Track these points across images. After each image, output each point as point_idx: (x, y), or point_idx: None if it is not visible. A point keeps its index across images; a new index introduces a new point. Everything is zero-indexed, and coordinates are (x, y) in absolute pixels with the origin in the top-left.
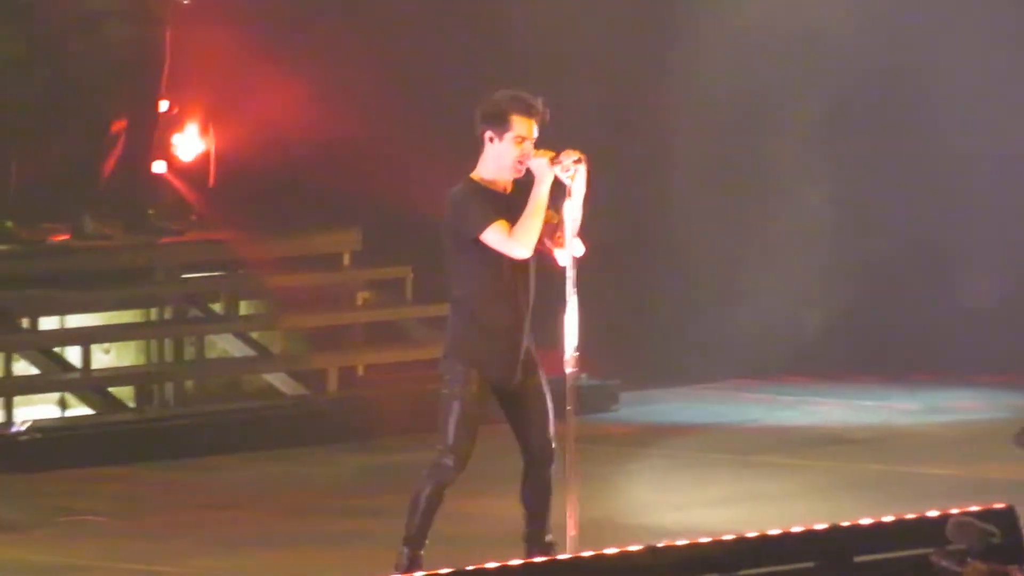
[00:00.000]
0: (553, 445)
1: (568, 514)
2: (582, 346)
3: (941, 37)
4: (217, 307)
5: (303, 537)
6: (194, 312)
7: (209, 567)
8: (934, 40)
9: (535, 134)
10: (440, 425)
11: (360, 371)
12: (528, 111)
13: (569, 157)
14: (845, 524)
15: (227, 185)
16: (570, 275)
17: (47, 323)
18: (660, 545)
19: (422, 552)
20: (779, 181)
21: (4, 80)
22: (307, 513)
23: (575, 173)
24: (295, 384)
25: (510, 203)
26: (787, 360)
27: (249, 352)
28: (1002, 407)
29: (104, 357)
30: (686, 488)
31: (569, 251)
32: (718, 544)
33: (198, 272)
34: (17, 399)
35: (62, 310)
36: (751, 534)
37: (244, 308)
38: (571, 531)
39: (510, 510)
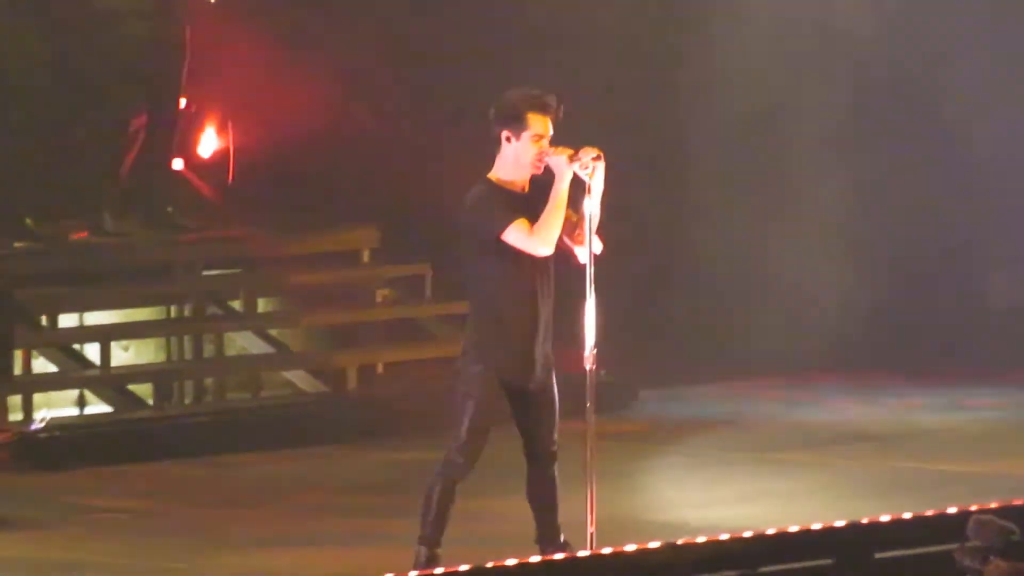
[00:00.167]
0: (556, 447)
1: (587, 511)
2: (601, 343)
3: (965, 29)
4: (236, 304)
5: (322, 535)
6: (213, 309)
7: (228, 565)
8: (957, 33)
9: (551, 131)
10: (454, 423)
11: (379, 368)
12: (544, 108)
13: (588, 154)
14: (865, 521)
15: (246, 182)
16: (589, 273)
17: (66, 320)
18: (679, 542)
19: (439, 550)
20: (800, 177)
21: (22, 76)
22: (326, 511)
23: (594, 170)
24: (314, 382)
25: (528, 202)
26: (808, 357)
27: (268, 349)
28: None
29: (123, 354)
30: (705, 485)
31: (588, 248)
32: (738, 541)
33: (217, 269)
34: (36, 396)
35: (81, 307)
36: (771, 531)
37: (263, 305)
38: (590, 527)
39: (528, 507)
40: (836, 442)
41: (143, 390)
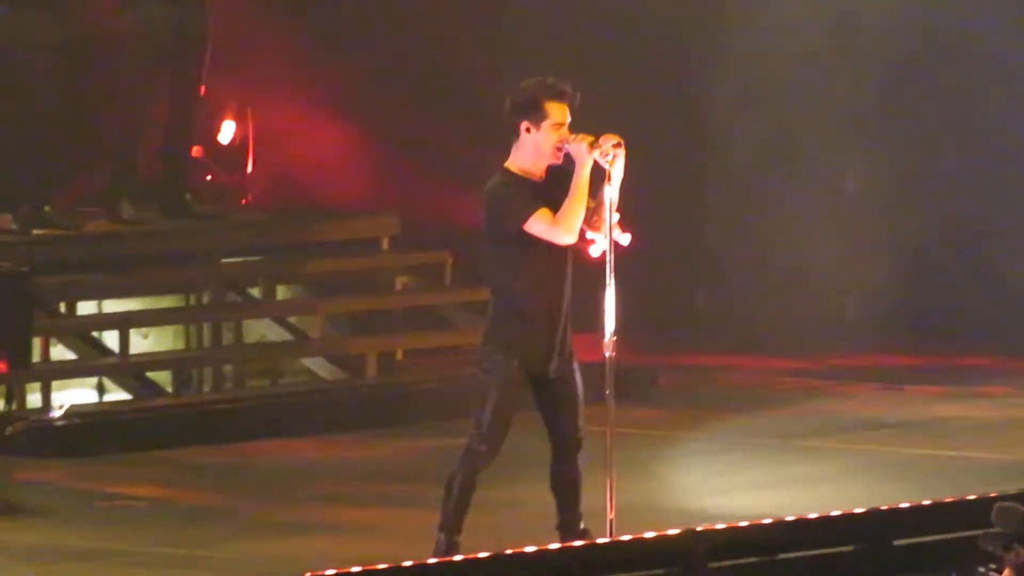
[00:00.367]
0: (582, 434)
1: (607, 498)
2: (622, 330)
3: (987, 12)
4: (255, 292)
5: (341, 522)
6: (232, 297)
7: (246, 552)
8: (980, 15)
9: (569, 118)
10: (475, 411)
11: (399, 356)
12: (561, 96)
13: (608, 141)
14: (884, 508)
15: (265, 170)
16: (608, 261)
17: (85, 308)
18: (699, 529)
19: (459, 538)
20: (819, 163)
21: (41, 63)
22: (345, 499)
23: (614, 157)
24: (333, 369)
25: (546, 191)
26: (827, 343)
27: (287, 337)
28: None
29: (142, 342)
30: (725, 472)
31: (604, 236)
32: (757, 528)
33: (236, 257)
34: (55, 384)
35: (100, 295)
36: (790, 518)
37: (282, 293)
38: (610, 515)
39: (549, 495)
40: (855, 429)
41: (162, 377)
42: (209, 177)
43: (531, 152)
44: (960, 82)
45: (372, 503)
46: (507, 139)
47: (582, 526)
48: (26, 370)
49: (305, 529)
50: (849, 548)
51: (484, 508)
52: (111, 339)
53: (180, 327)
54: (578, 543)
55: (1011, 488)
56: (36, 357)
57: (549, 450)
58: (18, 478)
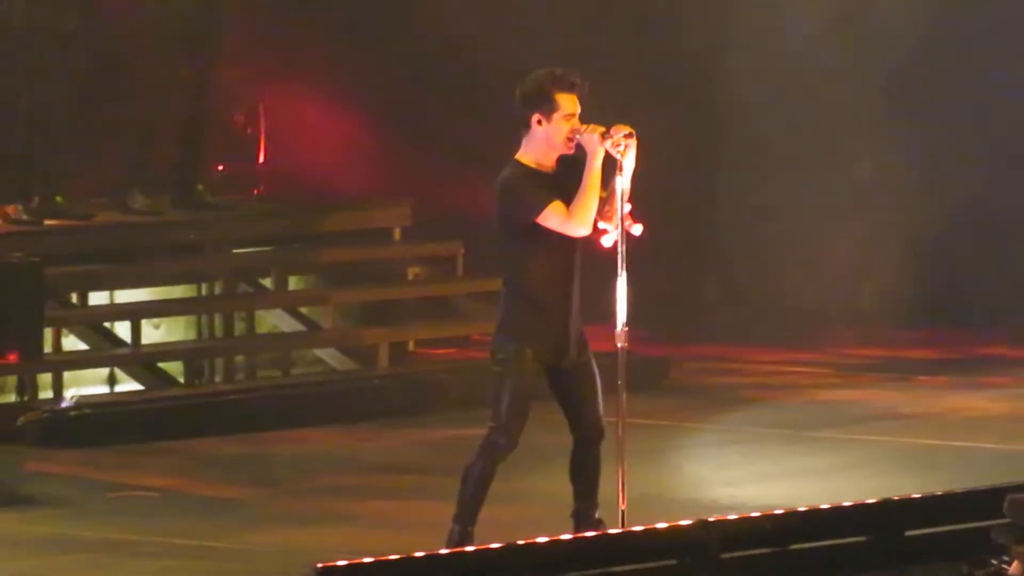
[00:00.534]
0: (603, 423)
1: (619, 488)
2: (633, 321)
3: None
4: (267, 282)
5: (352, 513)
6: (244, 287)
7: (259, 543)
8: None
9: (579, 109)
10: (492, 403)
11: (411, 346)
12: (571, 87)
13: (620, 132)
14: (896, 499)
15: (277, 160)
16: (621, 251)
17: (97, 298)
18: (711, 519)
19: (472, 528)
20: (832, 151)
21: (52, 55)
22: (357, 489)
23: (626, 148)
24: (345, 359)
25: (559, 182)
26: (839, 334)
27: (299, 327)
28: None
29: (154, 332)
30: (737, 463)
31: (616, 227)
32: (769, 518)
33: (248, 247)
34: (66, 375)
35: (111, 285)
36: (802, 509)
37: (294, 283)
38: (622, 505)
39: (560, 487)
40: (867, 420)
41: (174, 368)
42: (221, 167)
43: (543, 144)
44: (977, 69)
45: (384, 494)
46: (518, 130)
47: (597, 516)
48: (38, 361)
49: (317, 520)
50: (860, 539)
51: (497, 500)
52: (123, 330)
53: (192, 318)
54: (590, 533)
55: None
56: (48, 348)
57: (571, 439)
58: (29, 468)
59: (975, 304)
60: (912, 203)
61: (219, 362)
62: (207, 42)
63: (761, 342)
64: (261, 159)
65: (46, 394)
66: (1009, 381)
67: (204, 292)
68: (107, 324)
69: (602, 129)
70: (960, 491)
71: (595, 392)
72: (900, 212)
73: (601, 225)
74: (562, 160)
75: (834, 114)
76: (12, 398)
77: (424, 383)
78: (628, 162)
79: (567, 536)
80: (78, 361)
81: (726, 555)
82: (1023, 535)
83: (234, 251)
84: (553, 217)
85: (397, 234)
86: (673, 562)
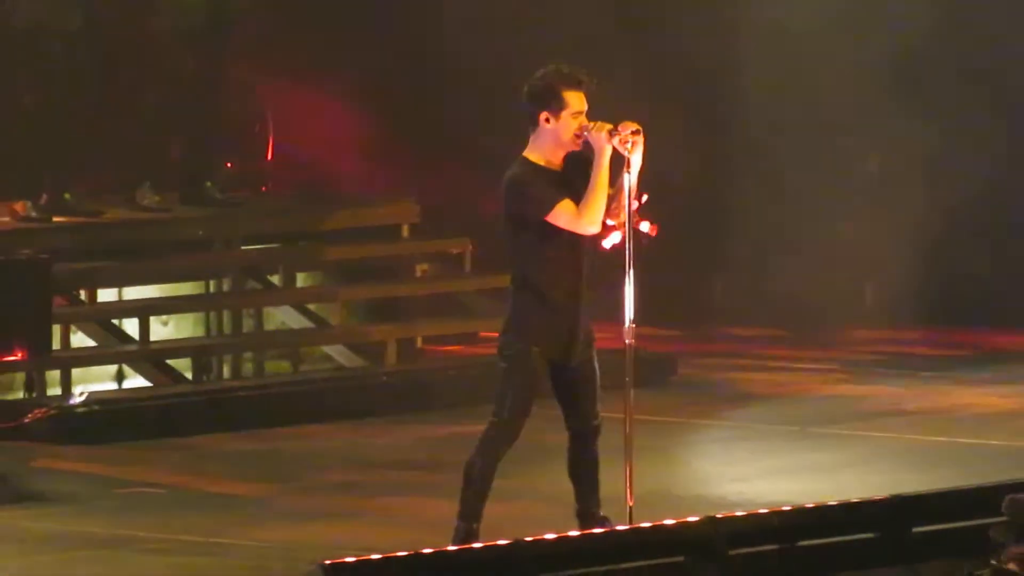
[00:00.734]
0: (599, 421)
1: (626, 485)
2: (641, 318)
3: None
4: (275, 279)
5: (360, 510)
6: (252, 284)
7: (266, 539)
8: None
9: (586, 106)
10: (495, 398)
11: (419, 343)
12: (579, 84)
13: (627, 128)
14: (904, 495)
15: (285, 157)
16: (628, 249)
17: (105, 295)
18: (719, 516)
19: (478, 525)
20: (840, 146)
21: (61, 51)
22: (364, 486)
23: (633, 145)
24: (353, 356)
25: (566, 179)
26: (848, 330)
27: (307, 324)
28: None
29: (162, 329)
30: (745, 459)
31: (622, 223)
32: (777, 515)
33: (256, 244)
34: (75, 371)
35: (120, 282)
36: (809, 505)
37: (302, 280)
38: (629, 502)
39: (566, 484)
40: (875, 416)
41: (182, 365)
42: (229, 164)
43: (551, 141)
44: (986, 64)
45: (392, 490)
46: (526, 126)
47: (601, 513)
48: (46, 357)
49: (324, 516)
50: (867, 535)
51: (502, 496)
52: (131, 326)
53: (200, 314)
54: (597, 530)
55: None
56: (56, 344)
57: (567, 437)
58: (38, 465)
59: (983, 300)
60: (920, 199)
61: (227, 359)
62: (216, 39)
63: (768, 338)
64: (269, 156)
65: (54, 391)
66: (1017, 377)
67: (212, 289)
68: (115, 321)
69: (609, 126)
70: (967, 487)
71: (594, 390)
72: (908, 208)
73: (609, 222)
74: (569, 157)
75: (843, 109)
76: (20, 395)
77: (432, 380)
78: (635, 159)
79: (574, 532)
80: (86, 358)
81: (734, 551)
82: (1022, 534)
83: (242, 248)
84: (563, 215)
85: (405, 231)
86: (681, 559)
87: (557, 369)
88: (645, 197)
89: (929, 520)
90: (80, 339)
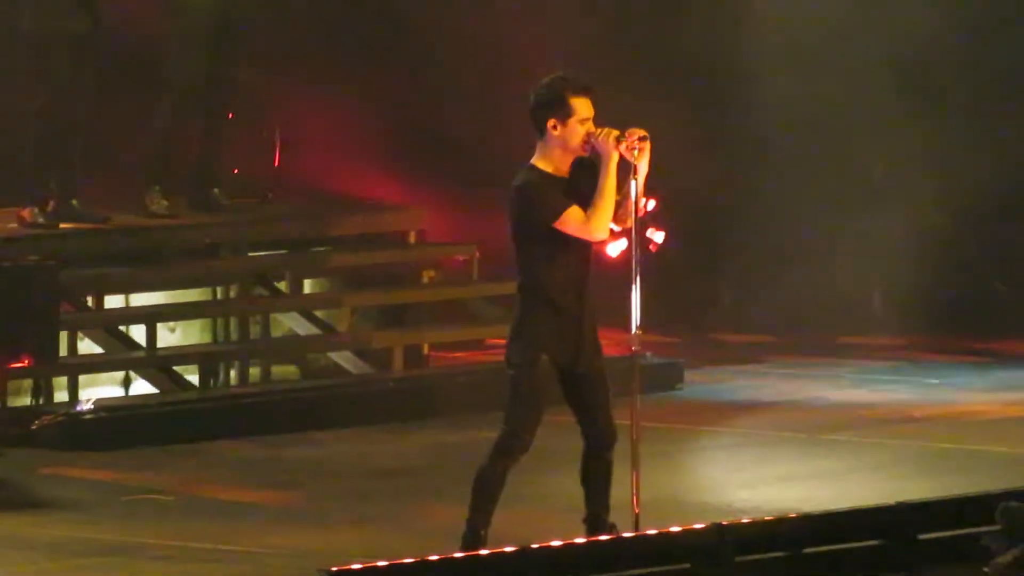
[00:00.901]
0: (613, 428)
1: (632, 492)
2: (647, 325)
3: None
4: (282, 285)
5: (368, 516)
6: (259, 290)
7: (274, 546)
8: None
9: (593, 112)
10: (506, 407)
11: (425, 350)
12: (585, 91)
13: (634, 135)
14: (911, 502)
15: (292, 164)
16: (634, 255)
17: (112, 301)
18: (725, 523)
19: (485, 532)
20: (845, 151)
21: (68, 56)
22: (372, 493)
23: (640, 151)
24: (360, 362)
25: (574, 186)
26: (855, 338)
27: (314, 330)
28: None
29: (169, 335)
30: (751, 466)
31: (628, 228)
32: (783, 522)
33: (263, 250)
34: (82, 378)
35: (127, 288)
36: (816, 512)
37: (309, 286)
38: (635, 509)
39: (573, 490)
40: (882, 423)
41: (189, 371)
42: (236, 171)
43: (558, 148)
44: (994, 65)
45: (398, 497)
46: (530, 133)
47: (609, 520)
48: (53, 364)
49: (331, 523)
50: (874, 542)
51: (509, 502)
52: (138, 333)
53: (207, 321)
54: (604, 537)
55: None
56: (63, 351)
57: (582, 443)
58: (45, 472)
59: (992, 307)
60: (930, 204)
61: (234, 365)
62: (226, 46)
63: (775, 345)
64: (276, 162)
65: (61, 397)
66: None
67: (220, 295)
68: (122, 327)
69: (616, 132)
70: (974, 495)
71: (606, 395)
72: (917, 213)
73: (615, 228)
74: (576, 164)
75: (849, 112)
76: (28, 401)
77: (439, 386)
78: (642, 165)
79: (581, 539)
80: (93, 364)
81: (740, 559)
82: (1015, 542)
83: (250, 254)
84: (571, 222)
85: (412, 237)
86: (687, 566)
87: (567, 377)
88: (652, 203)
89: (936, 527)
90: (87, 346)
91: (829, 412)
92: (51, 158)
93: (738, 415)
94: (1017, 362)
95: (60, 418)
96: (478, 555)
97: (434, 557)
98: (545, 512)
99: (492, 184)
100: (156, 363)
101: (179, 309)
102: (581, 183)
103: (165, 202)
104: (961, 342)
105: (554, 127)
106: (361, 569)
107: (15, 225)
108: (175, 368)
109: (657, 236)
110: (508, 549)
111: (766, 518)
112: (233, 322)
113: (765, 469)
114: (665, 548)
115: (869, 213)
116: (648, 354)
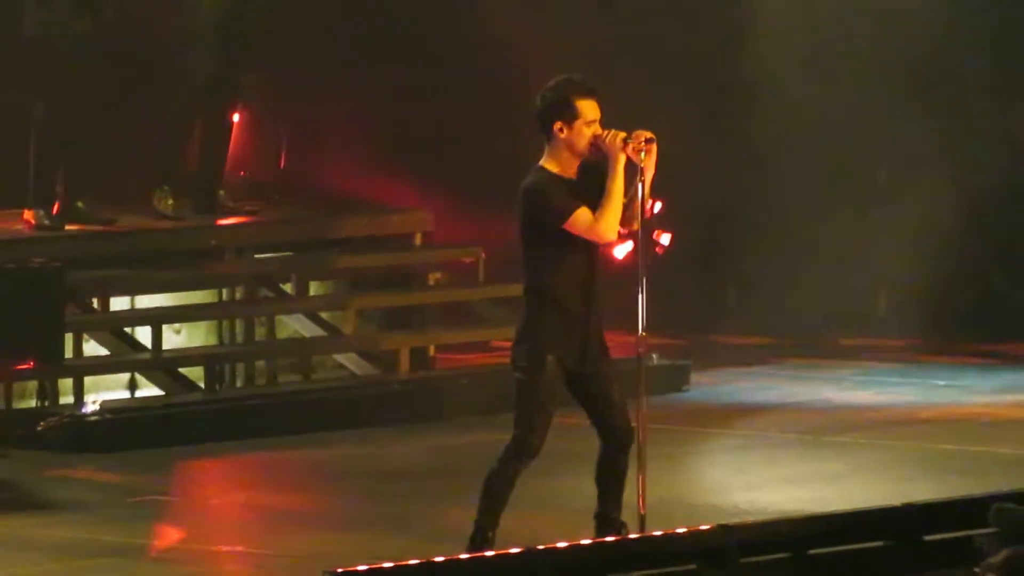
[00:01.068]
0: (630, 430)
1: (638, 493)
2: (653, 327)
3: None
4: (288, 287)
5: (374, 518)
6: (265, 292)
7: (278, 547)
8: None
9: (600, 114)
10: (515, 411)
11: (431, 352)
12: (591, 92)
13: (641, 137)
14: (915, 503)
15: (298, 165)
16: (641, 257)
17: (117, 303)
18: (731, 524)
19: (493, 534)
20: (852, 152)
21: (74, 58)
22: (378, 495)
23: (647, 153)
24: (366, 365)
25: (581, 188)
26: (860, 340)
27: (320, 332)
28: None
29: (174, 337)
30: (757, 468)
31: (634, 230)
32: (788, 523)
33: (269, 252)
34: (87, 380)
35: (132, 290)
36: (821, 513)
37: (315, 288)
38: (641, 510)
39: (580, 492)
40: (886, 425)
41: (194, 373)
42: (242, 173)
43: (565, 151)
44: (1000, 77)
45: (404, 499)
46: (539, 135)
47: (620, 519)
48: (58, 366)
49: (337, 524)
50: (879, 544)
51: (517, 505)
52: (144, 335)
53: (213, 323)
54: (610, 538)
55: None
56: (69, 353)
57: (593, 444)
58: (50, 474)
59: (997, 308)
60: (934, 205)
61: (240, 367)
62: (231, 47)
63: (780, 347)
64: (282, 164)
65: (67, 399)
66: None
67: (225, 297)
68: (128, 329)
69: (623, 134)
70: (978, 496)
71: (620, 394)
72: (923, 215)
73: (621, 231)
74: (583, 166)
75: (855, 114)
76: (33, 403)
77: (445, 388)
78: (649, 167)
79: (587, 541)
80: (99, 366)
81: (745, 560)
82: (1007, 544)
83: (255, 256)
84: (580, 223)
85: (418, 239)
86: (692, 567)
87: (576, 381)
88: (659, 206)
89: (941, 529)
90: (93, 347)
91: (834, 414)
92: (56, 160)
93: (743, 417)
94: (1023, 364)
95: (65, 420)
96: (484, 557)
97: (440, 559)
98: (552, 514)
99: (498, 186)
100: (161, 365)
101: (184, 311)
102: (589, 185)
103: (171, 202)
104: (966, 344)
105: (560, 130)
106: (366, 571)
107: (21, 227)
108: (180, 370)
109: (663, 238)
110: (514, 551)
111: (771, 519)
112: (238, 324)
113: (770, 471)
114: (670, 549)
115: (876, 215)
116: (654, 356)
